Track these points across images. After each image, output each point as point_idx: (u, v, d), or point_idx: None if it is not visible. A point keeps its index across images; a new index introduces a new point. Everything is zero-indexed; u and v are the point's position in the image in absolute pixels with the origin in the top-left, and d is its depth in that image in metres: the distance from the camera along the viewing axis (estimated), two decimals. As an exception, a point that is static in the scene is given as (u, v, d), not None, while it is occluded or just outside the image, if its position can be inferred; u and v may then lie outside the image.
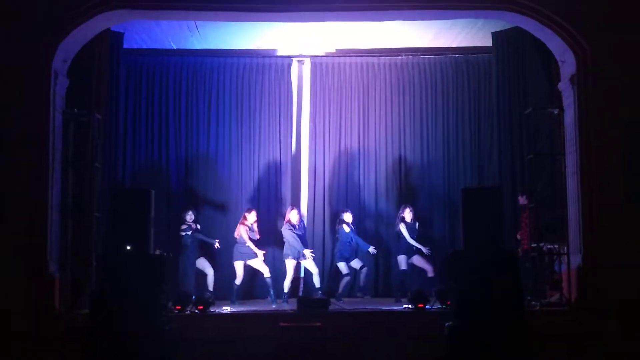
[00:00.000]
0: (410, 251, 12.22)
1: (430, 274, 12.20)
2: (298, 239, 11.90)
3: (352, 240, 12.27)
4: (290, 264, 11.92)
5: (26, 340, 9.31)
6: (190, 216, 12.13)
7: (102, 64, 11.45)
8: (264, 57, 13.63)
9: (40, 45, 10.01)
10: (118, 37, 12.14)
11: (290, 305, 11.19)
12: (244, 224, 12.00)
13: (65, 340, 9.06)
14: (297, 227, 12.05)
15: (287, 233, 11.97)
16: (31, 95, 9.92)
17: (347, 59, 13.73)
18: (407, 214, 12.27)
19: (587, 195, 10.08)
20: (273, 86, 13.62)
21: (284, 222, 12.15)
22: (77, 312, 9.94)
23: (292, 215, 12.09)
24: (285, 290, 11.84)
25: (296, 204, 12.96)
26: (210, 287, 12.04)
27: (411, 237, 12.17)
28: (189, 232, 11.99)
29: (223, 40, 12.99)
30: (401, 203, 12.97)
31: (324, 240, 13.23)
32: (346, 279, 12.23)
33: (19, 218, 9.68)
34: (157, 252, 10.17)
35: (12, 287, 9.47)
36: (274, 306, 11.43)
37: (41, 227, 9.84)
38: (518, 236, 11.51)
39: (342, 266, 12.25)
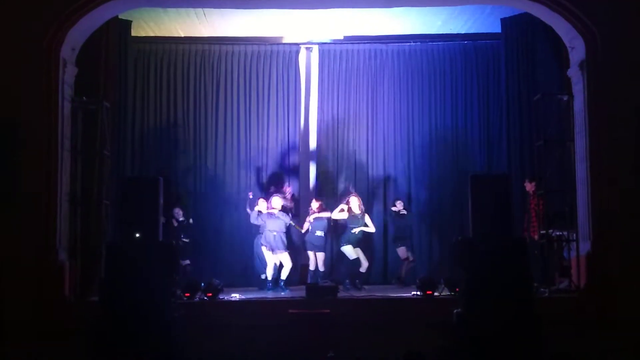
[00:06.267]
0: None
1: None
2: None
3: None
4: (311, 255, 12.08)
5: (36, 327, 9.37)
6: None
7: (110, 52, 11.49)
8: (271, 44, 13.61)
9: (48, 33, 10.02)
10: (126, 25, 12.16)
11: (299, 293, 11.21)
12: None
13: (74, 327, 9.08)
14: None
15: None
16: (40, 84, 9.95)
17: (355, 46, 13.69)
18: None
19: (596, 182, 10.06)
20: (281, 74, 13.61)
21: (311, 212, 12.17)
22: (86, 299, 10.01)
23: (313, 205, 12.19)
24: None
25: (305, 192, 12.96)
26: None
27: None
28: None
29: (231, 28, 12.97)
30: (410, 190, 12.99)
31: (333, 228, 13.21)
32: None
33: (28, 206, 9.72)
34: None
35: (23, 275, 9.51)
36: (282, 294, 11.45)
37: (50, 215, 9.89)
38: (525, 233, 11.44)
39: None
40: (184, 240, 11.93)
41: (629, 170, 9.90)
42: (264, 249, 11.80)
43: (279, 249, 11.72)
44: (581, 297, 9.97)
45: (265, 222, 11.83)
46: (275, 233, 11.74)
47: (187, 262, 11.93)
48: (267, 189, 13.05)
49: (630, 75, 10.03)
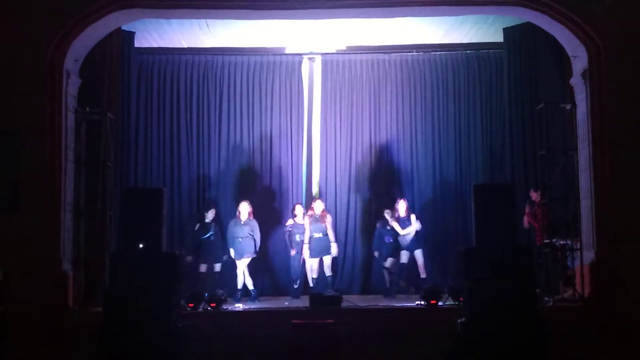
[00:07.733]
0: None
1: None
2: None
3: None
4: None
5: (40, 337, 9.37)
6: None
7: (113, 63, 11.51)
8: (274, 55, 13.64)
9: (51, 44, 10.04)
10: (129, 36, 12.18)
11: (303, 303, 11.19)
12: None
13: (78, 338, 9.10)
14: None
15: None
16: (43, 95, 9.97)
17: (358, 56, 13.72)
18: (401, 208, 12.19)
19: (600, 191, 10.04)
20: (284, 84, 13.63)
21: (311, 212, 12.21)
22: (90, 310, 10.00)
23: (316, 208, 12.21)
24: None
25: (308, 201, 12.95)
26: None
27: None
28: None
29: (234, 39, 13.01)
30: (413, 199, 12.97)
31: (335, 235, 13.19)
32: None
33: (32, 217, 9.73)
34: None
35: (27, 285, 9.51)
36: (286, 303, 11.44)
37: (54, 226, 9.89)
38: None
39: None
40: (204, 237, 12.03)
41: (633, 179, 9.89)
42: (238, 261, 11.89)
43: (247, 254, 11.82)
44: (585, 306, 9.94)
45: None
46: (240, 239, 11.84)
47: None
48: (269, 200, 13.11)
49: (633, 84, 10.02)
